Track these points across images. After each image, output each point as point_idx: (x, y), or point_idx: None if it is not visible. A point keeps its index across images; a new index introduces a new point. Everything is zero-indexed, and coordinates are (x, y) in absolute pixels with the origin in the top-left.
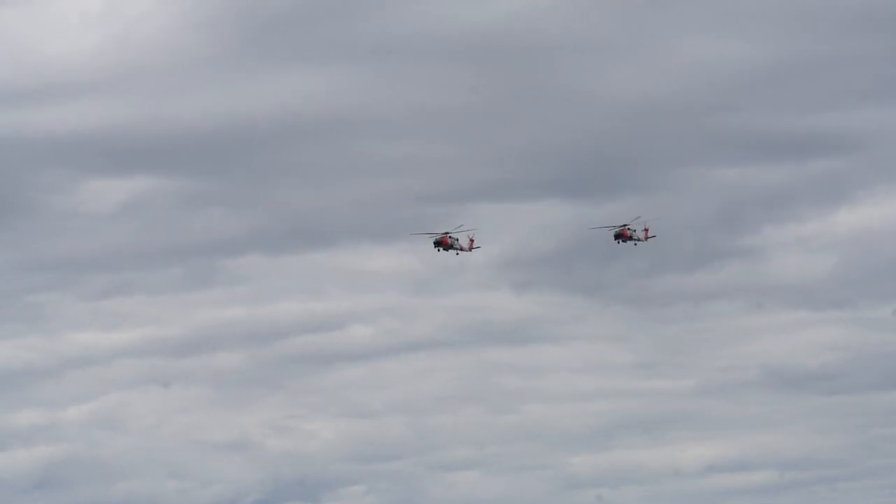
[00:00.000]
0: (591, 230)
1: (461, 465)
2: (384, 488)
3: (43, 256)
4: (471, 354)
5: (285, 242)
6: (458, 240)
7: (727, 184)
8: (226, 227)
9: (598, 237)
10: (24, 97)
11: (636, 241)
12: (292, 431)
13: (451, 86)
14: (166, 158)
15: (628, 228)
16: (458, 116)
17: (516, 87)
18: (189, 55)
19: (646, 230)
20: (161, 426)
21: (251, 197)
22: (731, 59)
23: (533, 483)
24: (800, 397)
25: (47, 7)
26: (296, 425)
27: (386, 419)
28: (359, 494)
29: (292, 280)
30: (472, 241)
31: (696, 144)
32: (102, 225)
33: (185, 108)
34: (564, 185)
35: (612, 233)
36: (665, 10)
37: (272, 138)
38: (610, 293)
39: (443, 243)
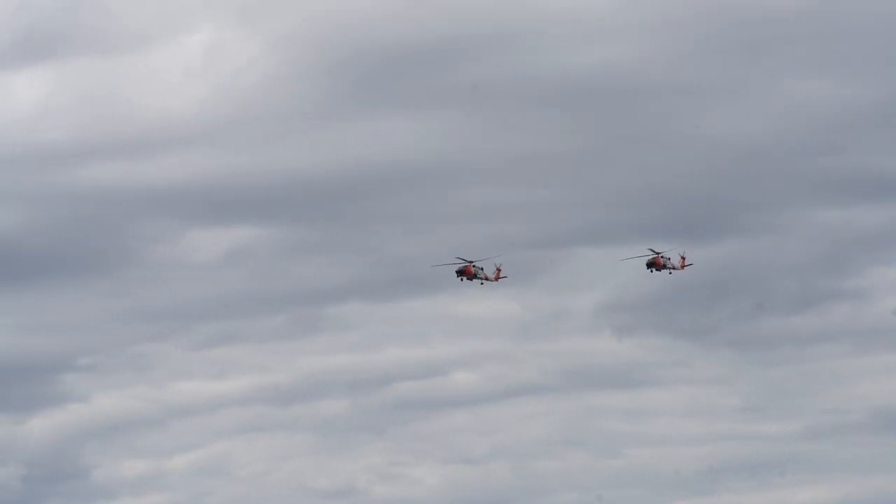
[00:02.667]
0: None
1: None
2: None
3: (148, 306)
4: (575, 399)
5: (388, 289)
6: (482, 269)
7: (831, 225)
8: (329, 275)
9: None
10: (127, 149)
11: (671, 270)
12: (397, 478)
13: (551, 130)
14: (268, 208)
15: (661, 257)
16: (558, 161)
17: (616, 131)
18: (289, 105)
19: (682, 258)
20: (266, 474)
21: (353, 244)
22: (834, 100)
23: None
24: None
25: (149, 59)
26: (400, 472)
27: (490, 465)
28: None
29: (395, 327)
30: (498, 270)
31: (799, 186)
32: (206, 274)
33: (287, 157)
34: (666, 228)
35: (645, 262)
36: (766, 52)
37: (373, 186)
38: (714, 336)
39: (466, 273)
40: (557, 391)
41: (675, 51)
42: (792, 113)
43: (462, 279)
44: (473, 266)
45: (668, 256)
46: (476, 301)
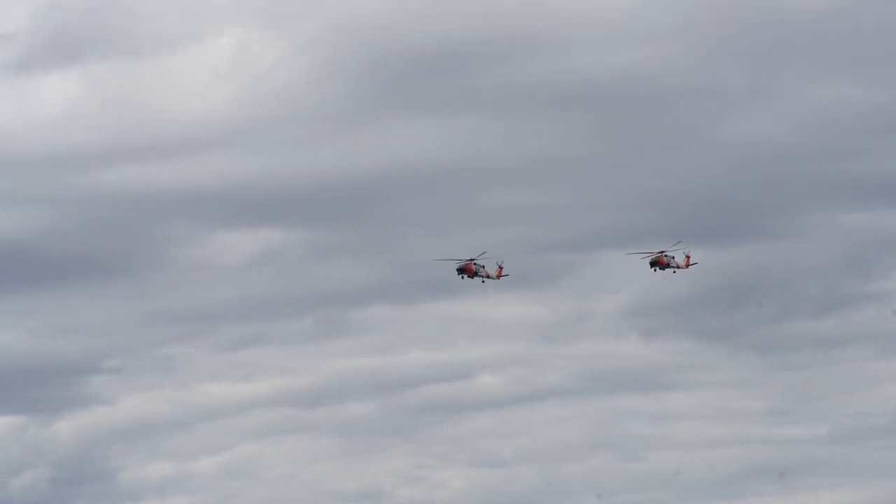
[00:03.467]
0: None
1: None
2: None
3: (173, 309)
4: (599, 402)
5: (412, 292)
6: (483, 267)
7: (855, 228)
8: (354, 277)
9: (719, 284)
10: (153, 151)
11: (675, 269)
12: (422, 481)
13: (574, 134)
14: (294, 210)
15: (665, 255)
16: (582, 164)
17: (639, 134)
18: (315, 108)
19: (687, 257)
20: (292, 477)
21: (378, 247)
22: (858, 103)
23: None
24: None
25: (175, 62)
26: (425, 475)
27: (515, 468)
28: None
29: (420, 330)
30: (500, 268)
31: (823, 189)
32: (232, 277)
33: (312, 160)
34: (690, 231)
35: (648, 260)
36: (790, 56)
37: (398, 188)
38: (739, 340)
39: (466, 270)
40: (582, 394)
41: (699, 54)
42: (816, 116)
43: (463, 277)
44: (475, 264)
45: (671, 255)
46: (500, 304)
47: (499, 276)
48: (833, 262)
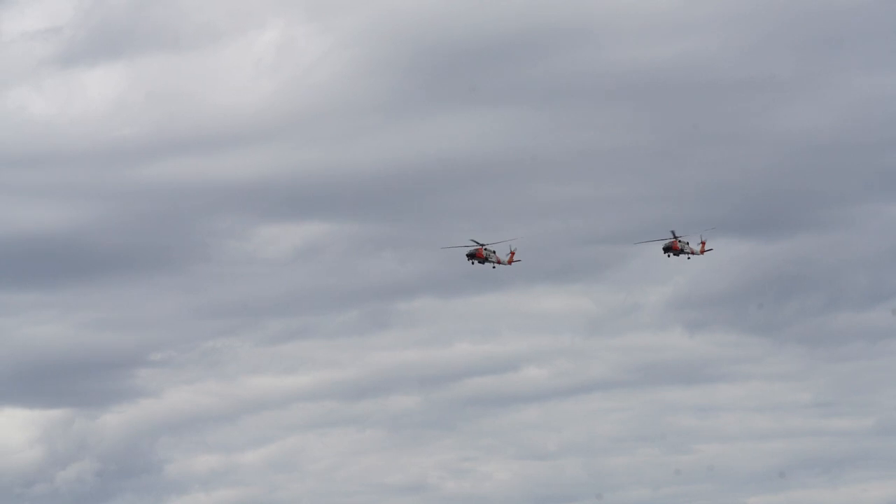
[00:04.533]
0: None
1: None
2: None
3: (219, 302)
4: (645, 395)
5: (458, 285)
6: (494, 252)
7: None
8: (399, 270)
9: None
10: (199, 145)
11: (689, 255)
12: (468, 473)
13: (622, 126)
14: (339, 203)
15: (679, 240)
16: (629, 156)
17: (687, 126)
18: (360, 101)
19: (702, 243)
20: (337, 469)
21: (423, 240)
22: None
23: None
24: None
25: (220, 56)
26: (471, 467)
27: (561, 460)
28: None
29: (466, 322)
30: (512, 253)
31: (871, 181)
32: (278, 270)
33: (357, 153)
34: (738, 223)
35: (662, 246)
36: (838, 47)
37: (443, 181)
38: (785, 332)
39: (477, 256)
40: (628, 387)
41: (745, 45)
42: (863, 106)
43: (473, 262)
44: (485, 249)
45: (686, 240)
46: (546, 297)
47: (510, 262)
48: (880, 254)
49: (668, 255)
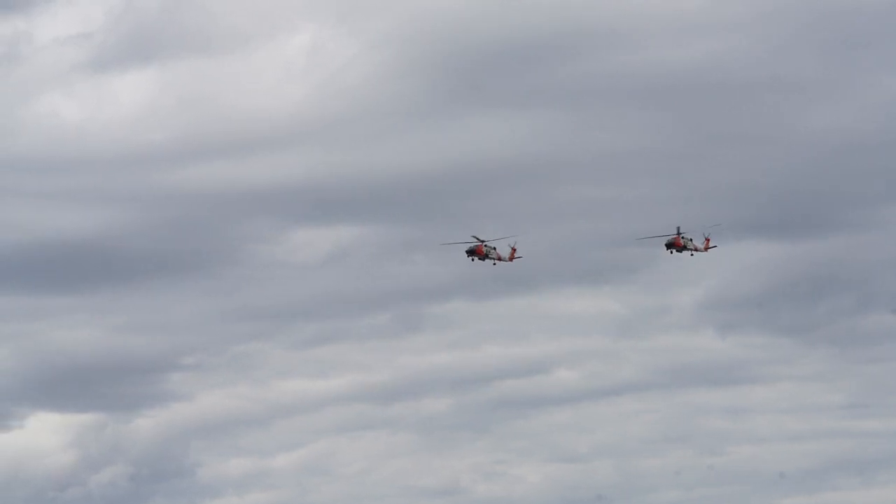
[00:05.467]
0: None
1: None
2: None
3: (250, 306)
4: (677, 397)
5: (489, 288)
6: (494, 249)
7: None
8: (430, 273)
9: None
10: (229, 149)
11: (692, 252)
12: (500, 476)
13: (649, 127)
14: (370, 206)
15: (682, 237)
16: (657, 158)
17: (714, 127)
18: (391, 104)
19: (707, 239)
20: (370, 472)
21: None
22: None
23: None
24: None
25: (251, 60)
26: (504, 470)
27: (593, 462)
28: None
29: (497, 325)
30: (513, 250)
31: None
32: (309, 274)
33: (388, 156)
34: (767, 224)
35: (664, 242)
36: (865, 47)
37: (473, 183)
38: (817, 333)
39: (477, 252)
40: (659, 389)
41: (774, 46)
42: (892, 107)
43: (473, 259)
44: (485, 246)
45: (689, 237)
46: (577, 299)
47: (511, 259)
48: None
49: (671, 252)
